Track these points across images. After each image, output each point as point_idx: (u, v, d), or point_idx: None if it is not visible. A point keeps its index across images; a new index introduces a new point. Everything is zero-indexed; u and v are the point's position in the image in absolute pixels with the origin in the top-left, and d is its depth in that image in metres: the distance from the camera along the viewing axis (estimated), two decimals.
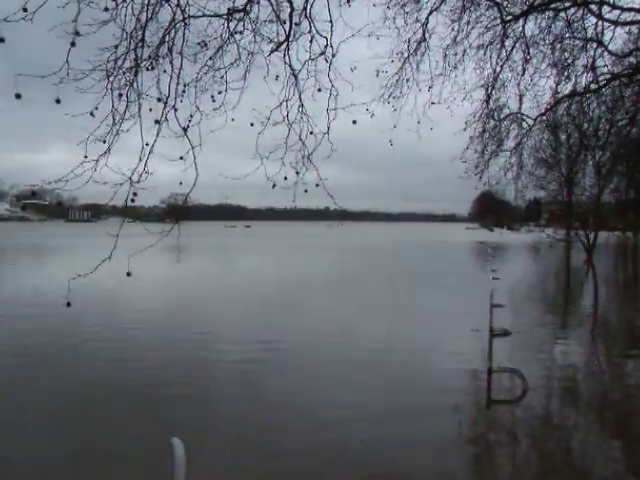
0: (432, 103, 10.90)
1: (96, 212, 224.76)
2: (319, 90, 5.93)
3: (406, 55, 10.62)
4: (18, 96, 4.34)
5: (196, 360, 11.01)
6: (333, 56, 6.05)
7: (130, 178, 4.80)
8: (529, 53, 11.42)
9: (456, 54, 11.18)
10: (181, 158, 5.17)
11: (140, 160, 4.92)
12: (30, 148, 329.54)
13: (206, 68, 5.85)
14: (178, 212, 6.89)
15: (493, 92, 12.00)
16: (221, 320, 15.42)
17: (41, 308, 16.32)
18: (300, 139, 5.78)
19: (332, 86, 5.95)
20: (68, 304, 5.55)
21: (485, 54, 11.48)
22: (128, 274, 5.30)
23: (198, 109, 5.55)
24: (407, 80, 10.77)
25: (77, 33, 4.47)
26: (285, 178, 5.52)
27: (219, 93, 5.85)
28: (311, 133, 5.80)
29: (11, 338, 12.87)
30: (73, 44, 4.47)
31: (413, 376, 10.04)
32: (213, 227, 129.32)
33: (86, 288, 18.61)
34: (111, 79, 5.02)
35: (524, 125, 13.12)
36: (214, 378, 9.94)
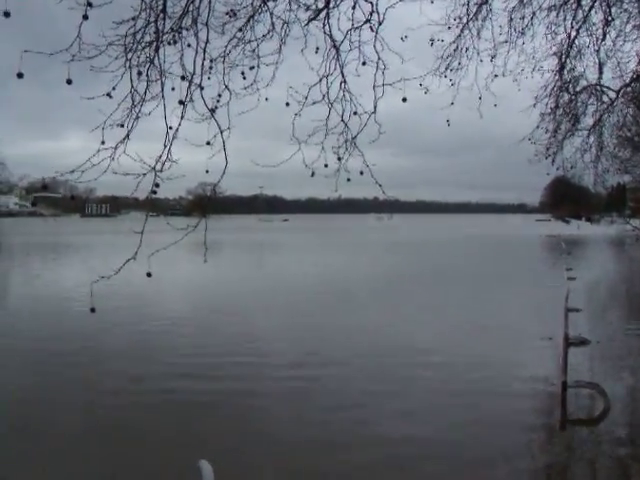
0: (495, 75, 10.70)
1: (115, 206, 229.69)
2: (364, 64, 5.87)
3: (465, 20, 10.45)
4: (20, 75, 4.40)
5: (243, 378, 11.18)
6: (380, 24, 5.99)
7: (153, 167, 4.85)
8: (610, 14, 11.11)
9: (523, 17, 10.94)
10: (208, 143, 5.18)
11: (164, 147, 4.97)
12: (45, 134, 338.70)
13: (235, 41, 5.84)
14: (206, 204, 6.92)
15: (568, 61, 11.73)
16: (259, 333, 15.28)
17: (61, 316, 16.79)
18: (342, 120, 5.75)
19: (379, 59, 5.89)
20: (92, 310, 5.63)
21: (558, 16, 11.20)
22: (148, 275, 5.36)
23: (227, 87, 5.54)
24: (466, 49, 10.61)
25: (89, 4, 4.53)
26: (326, 165, 5.49)
27: (250, 69, 5.85)
28: (355, 113, 5.76)
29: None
30: (85, 17, 4.50)
31: (478, 391, 9.96)
32: (246, 221, 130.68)
33: (101, 292, 19.13)
34: (129, 56, 5.05)
35: (604, 99, 12.80)
36: (265, 395, 10.06)
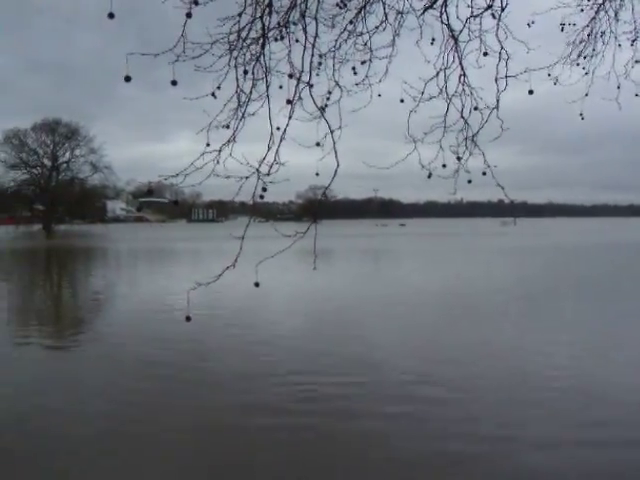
0: (636, 62, 10.23)
1: (222, 211, 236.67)
2: (485, 54, 5.72)
3: (601, 0, 10.06)
4: (127, 79, 4.60)
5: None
6: (502, 10, 5.82)
7: (257, 169, 4.92)
8: None
9: None
10: (318, 144, 5.20)
11: (268, 148, 5.03)
12: (153, 137, 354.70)
13: (346, 34, 5.86)
14: (316, 209, 6.92)
15: None
16: (374, 348, 14.75)
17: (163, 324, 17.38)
18: (462, 116, 5.62)
19: (502, 48, 5.72)
20: (188, 318, 5.76)
21: None
22: (256, 284, 5.42)
23: (337, 84, 5.56)
24: (602, 34, 10.17)
25: (195, 2, 4.65)
26: (444, 165, 5.39)
27: (362, 64, 5.85)
28: (475, 109, 5.62)
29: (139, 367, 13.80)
30: (189, 15, 4.64)
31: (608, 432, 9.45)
32: (360, 226, 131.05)
33: (205, 300, 19.73)
34: (235, 54, 5.16)
35: None
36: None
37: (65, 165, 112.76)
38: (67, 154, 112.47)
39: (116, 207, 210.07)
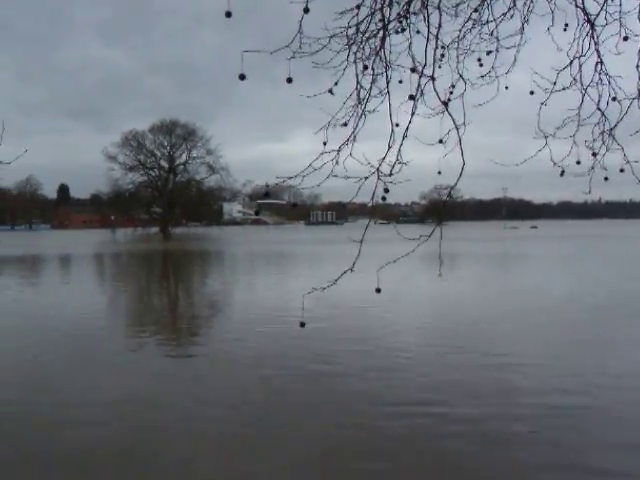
0: None
1: (342, 213, 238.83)
2: (625, 39, 5.51)
3: None
4: (242, 77, 4.76)
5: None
6: None
7: (377, 169, 4.98)
8: None
9: None
10: (441, 141, 5.18)
11: (389, 147, 5.08)
12: (271, 136, 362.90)
13: (470, 23, 5.80)
14: (441, 210, 6.90)
15: None
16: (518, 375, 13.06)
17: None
18: (598, 108, 5.46)
19: None
20: (302, 324, 5.86)
21: None
22: (377, 290, 5.46)
23: (461, 77, 5.51)
24: None
25: None
26: (578, 162, 5.27)
27: (487, 54, 5.78)
28: (614, 99, 5.44)
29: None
30: (306, 10, 4.74)
31: None
32: (488, 228, 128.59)
33: (322, 305, 19.91)
34: (353, 48, 5.25)
35: None
36: None
37: (182, 167, 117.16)
38: (184, 155, 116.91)
39: (233, 209, 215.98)
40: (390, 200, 5.31)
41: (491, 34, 5.80)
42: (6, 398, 11.59)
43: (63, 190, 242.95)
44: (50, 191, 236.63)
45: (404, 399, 11.21)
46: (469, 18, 5.79)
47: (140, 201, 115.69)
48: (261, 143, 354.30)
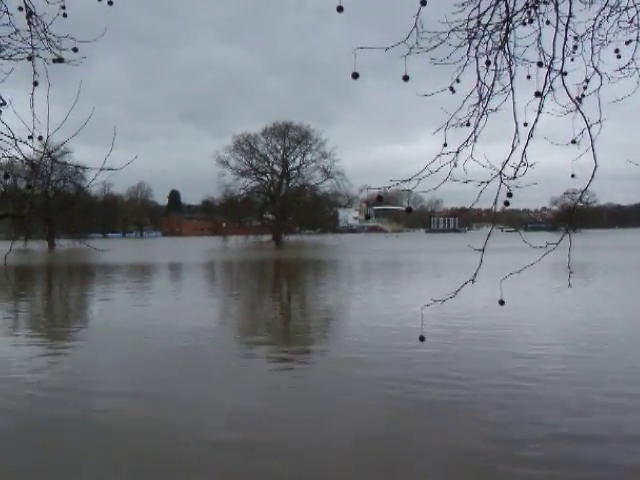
0: None
1: (465, 219, 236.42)
2: None
3: None
4: (355, 76, 4.77)
5: None
6: None
7: (500, 172, 4.89)
8: None
9: None
10: (573, 142, 5.08)
11: (513, 148, 4.98)
12: (393, 138, 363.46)
13: (607, 10, 5.65)
14: (572, 216, 6.74)
15: None
16: None
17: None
18: None
19: None
20: (421, 338, 5.83)
21: None
22: (501, 303, 5.39)
23: (596, 70, 5.38)
24: None
25: None
26: None
27: (627, 44, 5.60)
28: None
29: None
30: (423, 2, 4.71)
31: None
32: (630, 236, 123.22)
33: (444, 317, 19.65)
34: (475, 42, 5.20)
35: None
36: None
37: (295, 171, 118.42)
38: (297, 159, 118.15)
39: (349, 216, 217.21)
40: (518, 206, 5.22)
41: (631, 21, 5.61)
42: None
43: (174, 196, 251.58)
44: (161, 197, 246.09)
45: None
46: (606, 5, 5.62)
47: (252, 207, 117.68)
48: (380, 145, 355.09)
